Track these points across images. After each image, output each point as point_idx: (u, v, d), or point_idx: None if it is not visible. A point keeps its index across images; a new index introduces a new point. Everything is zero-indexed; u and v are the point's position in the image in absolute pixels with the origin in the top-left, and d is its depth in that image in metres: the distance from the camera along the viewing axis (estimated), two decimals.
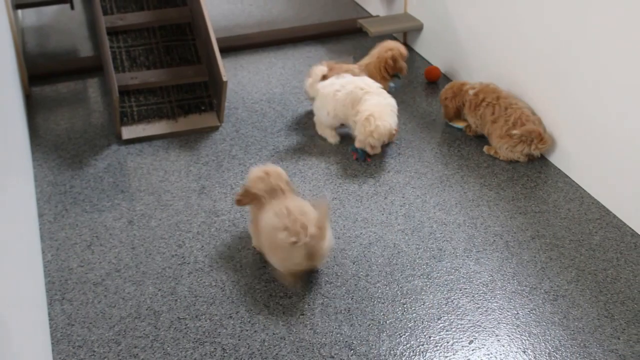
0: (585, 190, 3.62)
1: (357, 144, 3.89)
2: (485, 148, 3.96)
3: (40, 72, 4.87)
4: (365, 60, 4.44)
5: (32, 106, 4.52)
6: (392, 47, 4.36)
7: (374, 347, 2.78)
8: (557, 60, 3.65)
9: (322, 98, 4.03)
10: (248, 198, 3.16)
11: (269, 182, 3.12)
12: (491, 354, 2.75)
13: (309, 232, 2.90)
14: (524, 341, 2.80)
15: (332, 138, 4.11)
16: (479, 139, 4.06)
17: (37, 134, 4.22)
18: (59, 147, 4.09)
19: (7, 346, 1.97)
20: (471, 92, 4.02)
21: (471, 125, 4.07)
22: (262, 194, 3.11)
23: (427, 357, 2.75)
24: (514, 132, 3.76)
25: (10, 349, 2.00)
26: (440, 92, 4.20)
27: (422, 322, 2.90)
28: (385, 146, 3.99)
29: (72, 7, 5.37)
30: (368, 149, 3.87)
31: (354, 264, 3.20)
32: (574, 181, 3.69)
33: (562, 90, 3.65)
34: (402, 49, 4.36)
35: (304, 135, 4.16)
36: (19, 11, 5.66)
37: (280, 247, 2.96)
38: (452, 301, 2.99)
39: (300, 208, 3.01)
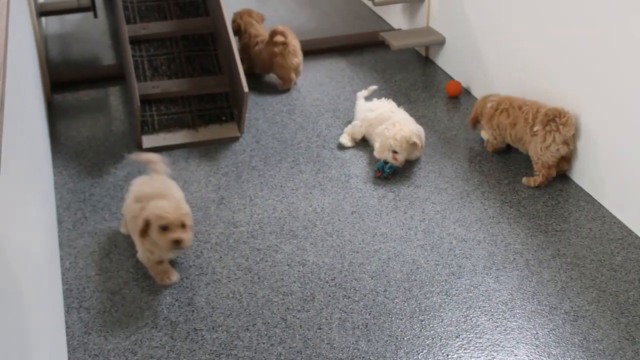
0: (607, 210, 3.58)
1: (377, 153, 3.89)
2: (524, 180, 3.83)
3: (63, 79, 4.89)
4: None
5: (54, 113, 4.55)
6: None
7: None
8: (582, 76, 3.62)
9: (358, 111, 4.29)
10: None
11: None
12: None
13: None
14: None
15: (344, 138, 4.19)
16: (500, 155, 4.04)
17: (58, 141, 4.24)
18: (80, 154, 4.10)
19: (25, 352, 1.96)
20: (489, 105, 3.99)
21: (490, 139, 4.04)
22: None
23: None
24: (535, 128, 3.71)
25: (28, 356, 2.00)
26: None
27: (440, 340, 2.87)
28: (410, 162, 3.97)
29: (96, 16, 5.41)
30: (390, 159, 3.85)
31: (372, 278, 3.18)
32: (596, 200, 3.66)
33: (587, 106, 3.62)
34: None
35: (325, 147, 4.15)
36: (43, 19, 5.70)
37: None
38: (470, 319, 2.97)
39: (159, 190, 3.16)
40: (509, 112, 3.87)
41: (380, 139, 3.92)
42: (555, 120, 3.65)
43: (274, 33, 4.78)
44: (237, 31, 5.01)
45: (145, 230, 3.00)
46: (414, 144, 3.87)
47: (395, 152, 3.86)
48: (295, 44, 4.82)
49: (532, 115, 3.75)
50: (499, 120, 3.90)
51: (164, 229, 2.95)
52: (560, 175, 3.83)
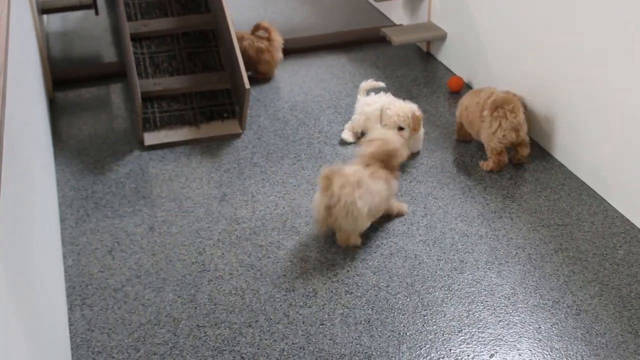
0: (609, 204, 3.58)
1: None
2: (480, 163, 3.91)
3: (64, 77, 4.90)
4: None
5: (56, 111, 4.55)
6: None
7: (393, 358, 2.76)
8: (584, 70, 3.62)
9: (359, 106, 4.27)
10: None
11: None
12: None
13: None
14: (545, 356, 2.76)
15: (346, 134, 4.21)
16: None
17: (60, 138, 4.24)
18: (82, 152, 4.11)
19: (28, 350, 1.97)
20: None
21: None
22: None
23: None
24: (484, 113, 3.79)
25: (31, 353, 2.00)
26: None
27: (443, 335, 2.87)
28: (411, 157, 3.96)
29: (97, 13, 5.41)
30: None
31: (374, 274, 3.19)
32: (597, 194, 3.65)
33: (588, 101, 3.62)
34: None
35: (326, 144, 4.15)
36: (44, 16, 5.71)
37: None
38: (473, 314, 2.97)
39: None
40: (470, 96, 4.02)
41: (383, 123, 3.94)
42: (503, 107, 3.73)
43: (257, 27, 4.84)
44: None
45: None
46: (418, 117, 3.92)
47: (401, 128, 3.88)
48: (280, 40, 4.87)
49: (483, 101, 3.84)
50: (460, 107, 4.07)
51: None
52: (517, 165, 3.89)
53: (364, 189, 3.21)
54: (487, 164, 3.86)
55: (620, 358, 2.74)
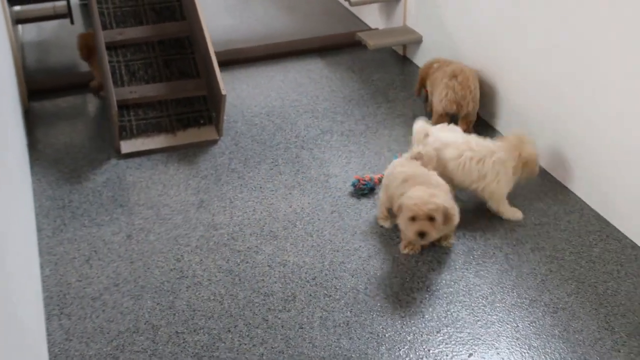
0: (585, 202, 3.61)
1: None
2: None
3: (40, 86, 4.88)
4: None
5: (32, 121, 4.53)
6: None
7: None
8: (557, 71, 3.65)
9: None
10: None
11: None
12: None
13: None
14: (523, 354, 2.78)
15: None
16: None
17: (36, 148, 4.22)
18: (58, 161, 4.09)
19: None
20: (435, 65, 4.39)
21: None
22: None
23: None
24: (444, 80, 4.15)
25: None
26: None
27: (422, 335, 2.88)
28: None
29: (72, 22, 5.40)
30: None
31: (352, 276, 3.19)
32: (573, 193, 3.68)
33: (562, 101, 3.65)
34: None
35: (304, 148, 4.15)
36: (19, 26, 5.68)
37: None
38: (451, 314, 2.98)
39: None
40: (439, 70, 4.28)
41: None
42: (457, 77, 4.11)
43: None
44: (88, 52, 4.73)
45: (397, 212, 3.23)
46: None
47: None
48: None
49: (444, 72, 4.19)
50: (432, 78, 4.31)
51: (412, 219, 3.14)
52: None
53: None
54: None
55: (597, 354, 2.76)
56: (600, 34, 3.31)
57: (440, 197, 3.17)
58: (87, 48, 4.71)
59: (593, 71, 3.39)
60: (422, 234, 3.13)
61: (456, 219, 3.24)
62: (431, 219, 3.11)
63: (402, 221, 3.21)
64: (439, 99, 4.15)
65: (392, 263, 3.26)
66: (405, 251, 3.33)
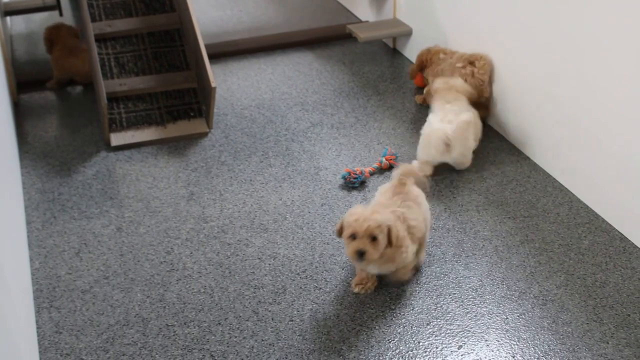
0: (574, 195, 3.62)
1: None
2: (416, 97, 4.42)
3: (29, 79, 4.86)
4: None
5: (20, 113, 4.51)
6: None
7: (362, 353, 2.78)
8: (549, 63, 3.66)
9: None
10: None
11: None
12: (480, 359, 2.75)
13: None
14: (513, 346, 2.79)
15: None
16: None
17: (25, 141, 4.21)
18: (48, 154, 4.08)
19: None
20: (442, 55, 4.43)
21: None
22: None
23: None
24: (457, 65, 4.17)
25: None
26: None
27: (411, 328, 2.89)
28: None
29: (61, 14, 5.38)
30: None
31: (343, 269, 3.20)
32: (563, 185, 3.69)
33: (551, 94, 3.66)
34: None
35: (294, 141, 4.15)
36: (8, 18, 5.65)
37: None
38: (441, 306, 2.99)
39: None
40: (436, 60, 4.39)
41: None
42: (474, 63, 4.10)
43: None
44: (51, 45, 4.84)
45: (339, 232, 2.90)
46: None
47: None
48: None
49: (456, 59, 4.22)
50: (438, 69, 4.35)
51: (352, 237, 2.83)
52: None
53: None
54: (419, 97, 4.45)
55: (586, 346, 2.78)
56: (592, 27, 3.32)
57: (385, 214, 2.87)
58: (49, 41, 4.73)
59: (585, 64, 3.40)
60: (360, 253, 2.80)
61: (407, 247, 2.93)
62: (373, 238, 2.80)
63: (344, 241, 2.90)
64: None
65: None
66: (356, 290, 3.05)
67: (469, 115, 3.81)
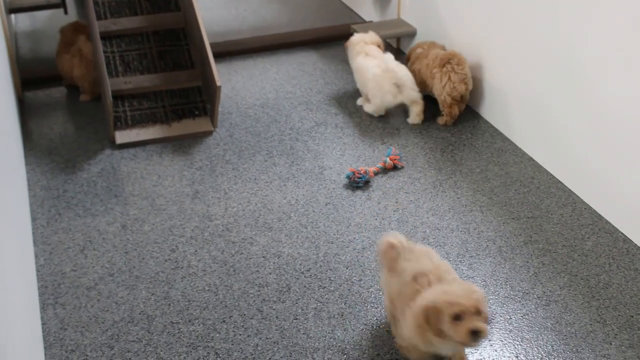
0: (577, 196, 3.63)
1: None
2: (438, 119, 4.33)
3: (34, 76, 4.87)
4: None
5: (25, 111, 4.52)
6: None
7: (367, 351, 2.78)
8: (553, 65, 3.67)
9: None
10: None
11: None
12: (484, 358, 2.76)
13: None
14: (516, 346, 2.80)
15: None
16: (472, 145, 4.07)
17: (30, 138, 4.22)
18: (52, 151, 4.09)
19: (1, 349, 1.96)
20: (418, 50, 4.53)
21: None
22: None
23: None
24: (433, 71, 4.23)
25: (3, 354, 1.99)
26: None
27: None
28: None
29: (66, 12, 5.38)
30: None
31: (347, 268, 3.21)
32: (566, 187, 3.70)
33: (560, 96, 3.67)
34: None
35: (298, 140, 4.16)
36: (13, 15, 5.66)
37: None
38: None
39: None
40: (420, 59, 4.42)
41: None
42: (450, 62, 4.16)
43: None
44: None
45: (427, 321, 2.43)
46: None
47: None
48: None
49: (431, 62, 4.25)
50: (415, 66, 4.45)
51: (457, 318, 2.39)
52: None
53: None
54: (442, 119, 4.29)
55: (589, 347, 2.79)
56: (594, 27, 3.33)
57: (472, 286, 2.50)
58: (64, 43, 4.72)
59: (587, 63, 3.41)
60: (476, 333, 2.37)
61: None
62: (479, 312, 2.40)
63: (436, 327, 2.43)
64: (441, 86, 4.20)
65: None
66: None
67: (391, 55, 4.33)
